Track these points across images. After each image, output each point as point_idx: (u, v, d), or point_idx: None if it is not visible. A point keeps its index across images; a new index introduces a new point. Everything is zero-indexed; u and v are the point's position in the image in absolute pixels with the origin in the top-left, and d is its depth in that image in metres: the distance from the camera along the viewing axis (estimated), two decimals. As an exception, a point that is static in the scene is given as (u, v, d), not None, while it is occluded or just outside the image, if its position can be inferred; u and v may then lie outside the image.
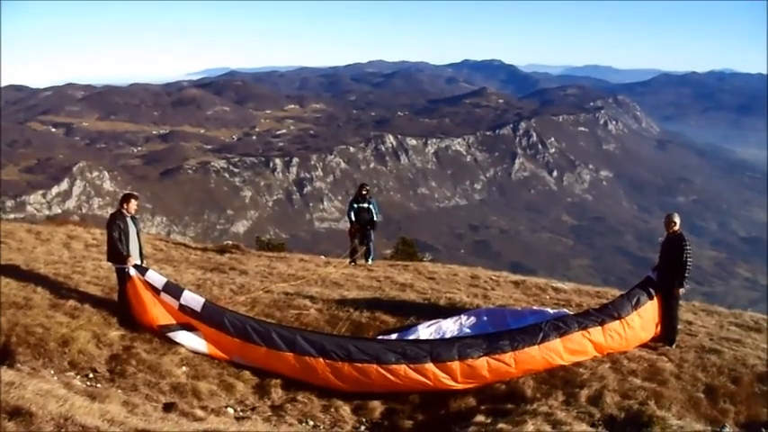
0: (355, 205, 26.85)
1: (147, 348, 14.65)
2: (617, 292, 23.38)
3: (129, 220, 16.20)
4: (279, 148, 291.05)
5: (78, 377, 12.98)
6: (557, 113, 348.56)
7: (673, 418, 12.09)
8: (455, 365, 14.30)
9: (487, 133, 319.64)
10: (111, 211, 16.54)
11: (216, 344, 15.34)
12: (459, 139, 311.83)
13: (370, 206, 26.75)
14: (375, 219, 26.87)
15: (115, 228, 15.95)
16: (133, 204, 16.44)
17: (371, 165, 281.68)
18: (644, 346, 16.01)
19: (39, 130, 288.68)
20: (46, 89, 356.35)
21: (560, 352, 14.86)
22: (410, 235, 46.49)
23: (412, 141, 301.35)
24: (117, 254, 15.99)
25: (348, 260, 26.93)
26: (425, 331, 16.57)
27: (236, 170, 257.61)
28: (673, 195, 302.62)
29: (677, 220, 16.22)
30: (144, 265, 16.60)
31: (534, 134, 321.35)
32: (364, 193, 26.91)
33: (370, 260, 27.28)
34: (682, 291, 16.20)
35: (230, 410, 12.98)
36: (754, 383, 14.03)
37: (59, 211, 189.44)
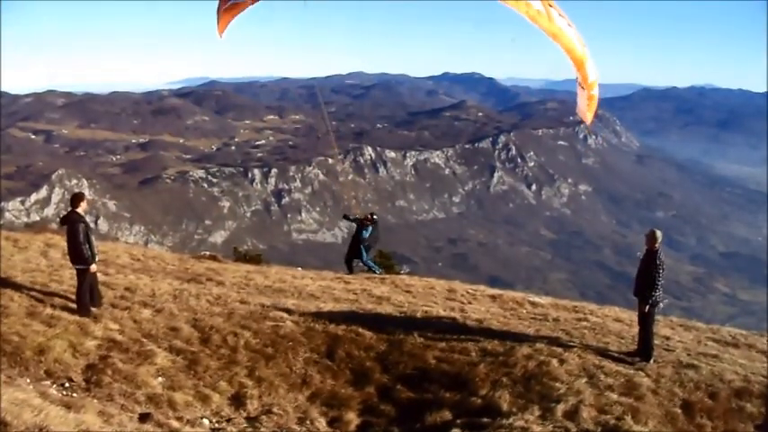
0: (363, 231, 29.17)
1: (123, 358, 14.60)
2: (594, 307, 23.55)
3: (86, 220, 16.71)
4: (258, 158, 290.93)
5: (54, 386, 12.93)
6: (536, 127, 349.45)
7: (649, 433, 12.16)
8: None
9: (466, 146, 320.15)
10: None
11: None
12: (438, 152, 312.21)
13: (364, 230, 28.91)
14: (363, 237, 28.98)
15: (81, 230, 16.22)
16: (85, 203, 16.80)
17: (350, 176, 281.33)
18: (620, 360, 16.05)
19: (18, 136, 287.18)
20: (26, 95, 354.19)
21: None
22: (387, 247, 46.29)
23: (391, 154, 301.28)
24: (82, 256, 16.31)
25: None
26: None
27: (214, 180, 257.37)
28: (652, 210, 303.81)
29: (659, 237, 16.28)
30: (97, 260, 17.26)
31: (513, 148, 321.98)
32: (368, 220, 29.37)
33: (377, 272, 29.33)
34: (647, 308, 16.26)
35: (206, 421, 12.96)
36: (731, 399, 14.04)
37: (38, 218, 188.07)
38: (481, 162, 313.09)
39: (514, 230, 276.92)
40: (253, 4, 16.46)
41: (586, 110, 17.34)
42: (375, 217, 29.61)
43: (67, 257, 17.34)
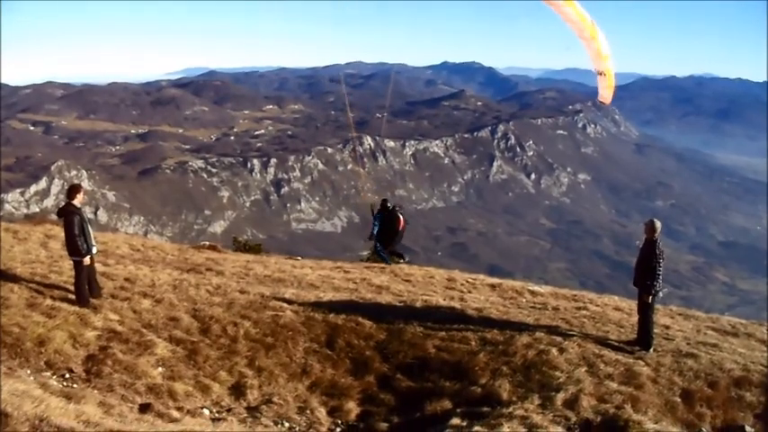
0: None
1: (123, 349, 14.60)
2: (594, 296, 23.55)
3: (82, 212, 16.72)
4: (257, 148, 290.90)
5: (55, 377, 12.92)
6: (535, 116, 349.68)
7: (649, 422, 12.13)
8: None
9: (466, 136, 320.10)
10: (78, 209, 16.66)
11: None
12: (438, 142, 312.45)
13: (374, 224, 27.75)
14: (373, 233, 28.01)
15: (76, 223, 16.28)
16: (82, 195, 16.83)
17: (349, 166, 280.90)
18: (620, 349, 16.02)
19: (17, 128, 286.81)
20: (25, 87, 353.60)
21: None
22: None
23: (390, 143, 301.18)
24: (77, 248, 16.39)
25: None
26: None
27: (213, 170, 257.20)
28: (651, 199, 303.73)
29: (658, 227, 16.23)
30: (94, 252, 17.28)
31: (513, 137, 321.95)
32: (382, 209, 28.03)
33: (387, 262, 28.48)
34: (650, 298, 16.24)
35: (206, 411, 12.95)
36: (730, 388, 14.02)
37: (37, 209, 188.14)
38: (480, 151, 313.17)
39: (514, 220, 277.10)
40: None
41: (605, 88, 17.19)
42: (389, 205, 28.07)
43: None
